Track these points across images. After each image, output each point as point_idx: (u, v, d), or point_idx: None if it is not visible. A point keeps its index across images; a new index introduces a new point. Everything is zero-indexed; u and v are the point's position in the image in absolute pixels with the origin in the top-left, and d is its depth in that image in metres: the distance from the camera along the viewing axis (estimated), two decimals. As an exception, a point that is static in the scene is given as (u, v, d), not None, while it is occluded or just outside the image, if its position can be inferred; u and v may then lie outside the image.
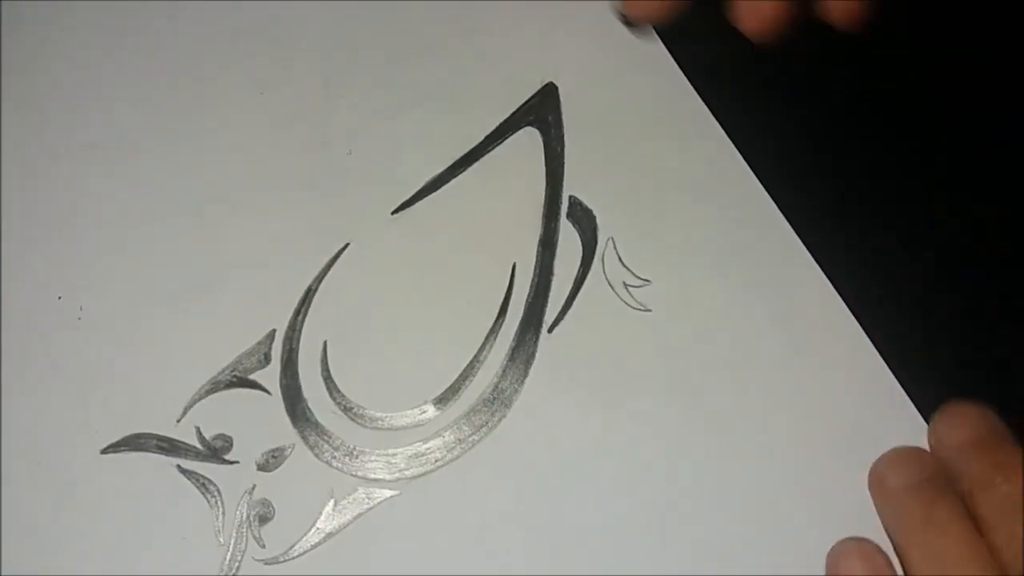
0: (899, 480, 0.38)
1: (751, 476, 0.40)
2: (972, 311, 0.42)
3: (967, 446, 0.38)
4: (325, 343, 0.42)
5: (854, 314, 0.42)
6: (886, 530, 0.38)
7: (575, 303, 0.43)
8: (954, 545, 0.36)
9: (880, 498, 0.39)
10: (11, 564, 0.39)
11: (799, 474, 0.40)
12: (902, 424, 0.40)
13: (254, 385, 0.41)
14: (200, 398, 0.41)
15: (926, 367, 0.40)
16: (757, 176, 0.44)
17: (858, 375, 0.41)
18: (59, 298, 0.43)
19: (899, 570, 0.38)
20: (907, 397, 0.41)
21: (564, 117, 0.46)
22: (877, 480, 0.39)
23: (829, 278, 0.42)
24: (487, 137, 0.45)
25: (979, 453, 0.37)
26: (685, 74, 0.46)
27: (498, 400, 0.41)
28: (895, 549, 0.38)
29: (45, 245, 0.44)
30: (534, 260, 0.43)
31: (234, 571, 0.39)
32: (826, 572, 0.38)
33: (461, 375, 0.42)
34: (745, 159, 0.44)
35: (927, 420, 0.40)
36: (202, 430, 0.41)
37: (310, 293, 0.43)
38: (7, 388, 0.41)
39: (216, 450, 0.40)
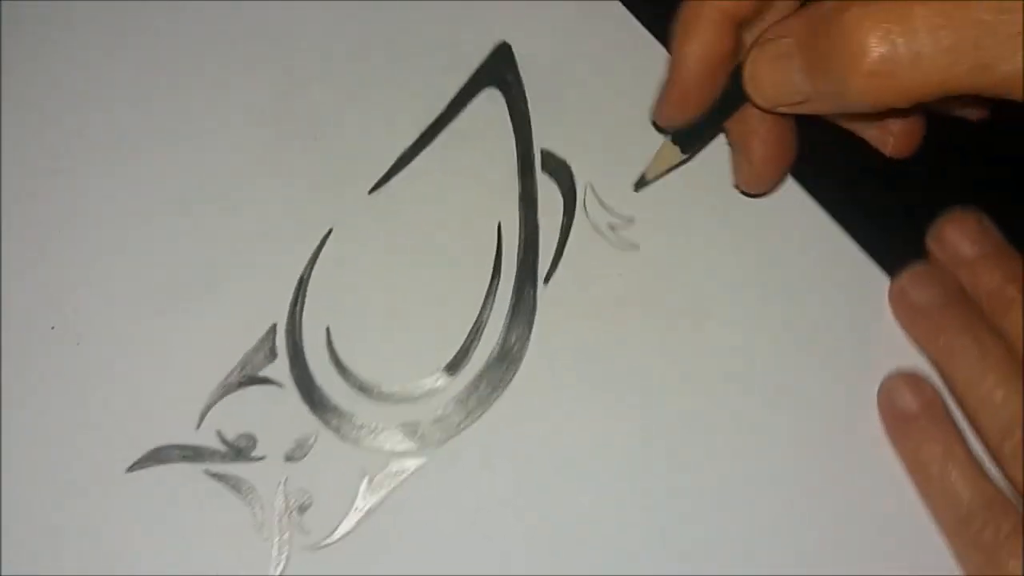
0: (926, 298, 0.40)
1: (752, 401, 0.42)
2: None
3: (978, 259, 0.40)
4: (328, 329, 0.43)
5: (848, 231, 0.44)
6: (915, 344, 0.41)
7: (565, 252, 0.44)
8: (997, 366, 0.38)
9: (905, 314, 0.41)
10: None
11: (798, 405, 0.42)
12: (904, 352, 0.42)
13: (266, 381, 0.42)
14: (214, 402, 0.41)
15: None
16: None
17: (858, 297, 0.43)
18: (52, 328, 0.43)
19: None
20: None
21: (522, 73, 0.46)
22: (899, 295, 0.41)
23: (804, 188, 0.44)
24: (450, 105, 0.46)
25: (991, 267, 0.39)
26: (634, 15, 0.47)
27: (508, 357, 0.42)
28: (932, 364, 0.40)
29: (32, 275, 0.43)
30: (517, 217, 0.44)
31: (284, 563, 0.39)
32: (879, 408, 0.41)
33: (467, 339, 0.42)
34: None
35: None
36: (223, 433, 0.41)
37: (303, 283, 0.43)
38: (21, 427, 0.41)
39: (241, 450, 0.41)
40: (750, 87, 0.37)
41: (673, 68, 0.40)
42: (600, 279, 0.43)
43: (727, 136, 0.42)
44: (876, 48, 0.31)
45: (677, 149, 0.42)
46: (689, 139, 0.41)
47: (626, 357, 0.42)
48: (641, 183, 0.44)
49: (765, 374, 0.42)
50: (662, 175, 0.43)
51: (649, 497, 0.40)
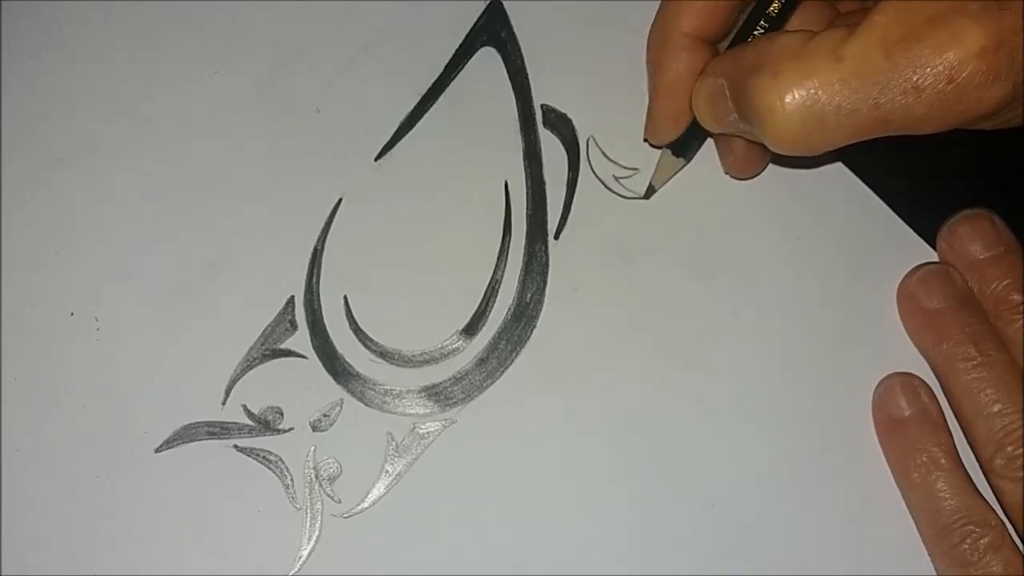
0: (933, 302, 0.40)
1: (763, 347, 0.42)
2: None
3: (987, 262, 0.40)
4: (345, 298, 0.43)
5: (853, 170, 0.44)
6: (918, 347, 0.41)
7: (573, 206, 0.44)
8: (997, 377, 0.38)
9: (911, 317, 0.41)
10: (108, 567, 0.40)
11: (804, 352, 0.42)
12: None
13: (288, 353, 0.42)
14: (238, 377, 0.42)
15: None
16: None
17: (861, 222, 0.44)
18: (71, 315, 0.43)
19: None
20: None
21: (516, 30, 0.46)
22: (907, 298, 0.41)
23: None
24: (447, 66, 0.46)
25: (999, 271, 0.39)
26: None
27: (525, 315, 0.43)
28: (933, 370, 0.40)
29: (46, 265, 0.43)
30: (523, 174, 0.45)
31: (318, 532, 0.40)
32: (872, 411, 0.41)
33: (483, 299, 0.43)
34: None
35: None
36: (249, 407, 0.42)
37: (317, 254, 0.43)
38: (52, 417, 0.42)
39: (268, 422, 0.41)
40: (697, 115, 0.39)
41: (654, 94, 0.41)
42: (610, 231, 0.44)
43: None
44: (784, 115, 0.33)
45: (675, 157, 0.42)
46: (684, 147, 0.42)
47: (640, 307, 0.43)
48: (650, 192, 0.44)
49: (778, 320, 0.42)
50: (667, 181, 0.44)
51: (668, 447, 0.41)
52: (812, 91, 0.33)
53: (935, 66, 0.32)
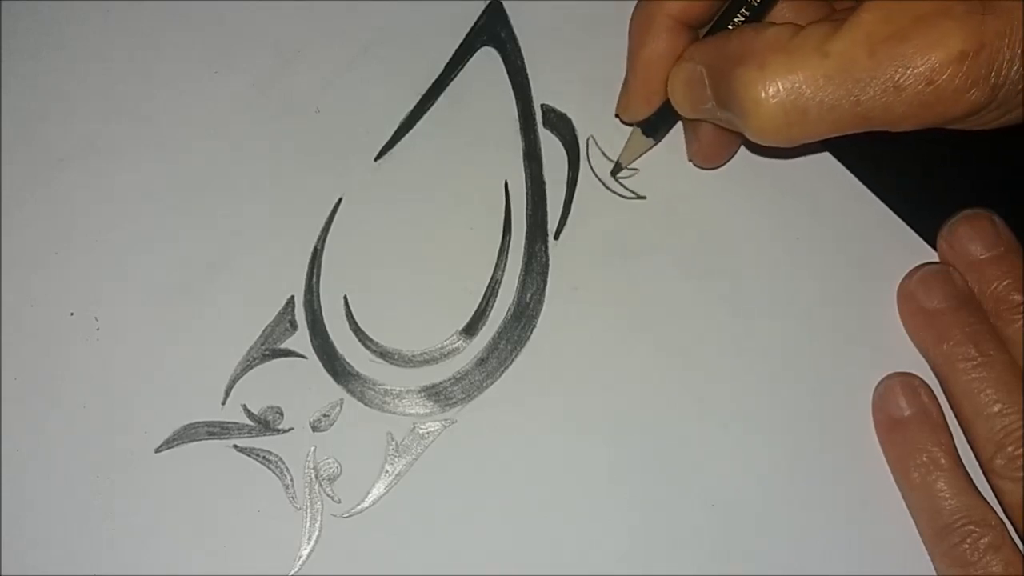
0: (933, 302, 0.40)
1: (761, 348, 0.42)
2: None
3: (987, 262, 0.40)
4: (345, 298, 0.43)
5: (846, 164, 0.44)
6: (918, 347, 0.41)
7: (573, 206, 0.44)
8: (997, 377, 0.38)
9: (912, 317, 0.41)
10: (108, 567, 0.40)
11: (811, 333, 0.42)
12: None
13: (288, 353, 0.42)
14: (238, 377, 0.42)
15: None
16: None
17: (861, 222, 0.44)
18: (71, 315, 0.43)
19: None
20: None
21: (516, 30, 0.46)
22: (907, 297, 0.41)
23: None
24: (447, 66, 0.46)
25: (999, 271, 0.39)
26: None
27: (525, 315, 0.43)
28: (933, 370, 0.40)
29: (46, 265, 0.43)
30: (523, 174, 0.45)
31: (318, 532, 0.40)
32: (872, 411, 0.41)
33: (483, 299, 0.43)
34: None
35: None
36: (249, 407, 0.42)
37: (317, 254, 0.43)
38: (52, 417, 0.42)
39: (268, 422, 0.41)
40: (671, 99, 0.39)
41: (631, 71, 0.41)
42: (610, 231, 0.44)
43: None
44: (768, 108, 0.34)
45: (645, 137, 0.43)
46: (655, 127, 0.42)
47: (640, 307, 0.43)
48: (616, 169, 0.44)
49: (778, 320, 0.43)
50: (635, 160, 0.44)
51: (668, 447, 0.41)
52: (797, 85, 0.33)
53: (916, 67, 0.32)
